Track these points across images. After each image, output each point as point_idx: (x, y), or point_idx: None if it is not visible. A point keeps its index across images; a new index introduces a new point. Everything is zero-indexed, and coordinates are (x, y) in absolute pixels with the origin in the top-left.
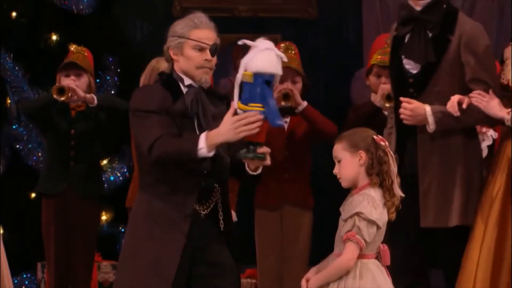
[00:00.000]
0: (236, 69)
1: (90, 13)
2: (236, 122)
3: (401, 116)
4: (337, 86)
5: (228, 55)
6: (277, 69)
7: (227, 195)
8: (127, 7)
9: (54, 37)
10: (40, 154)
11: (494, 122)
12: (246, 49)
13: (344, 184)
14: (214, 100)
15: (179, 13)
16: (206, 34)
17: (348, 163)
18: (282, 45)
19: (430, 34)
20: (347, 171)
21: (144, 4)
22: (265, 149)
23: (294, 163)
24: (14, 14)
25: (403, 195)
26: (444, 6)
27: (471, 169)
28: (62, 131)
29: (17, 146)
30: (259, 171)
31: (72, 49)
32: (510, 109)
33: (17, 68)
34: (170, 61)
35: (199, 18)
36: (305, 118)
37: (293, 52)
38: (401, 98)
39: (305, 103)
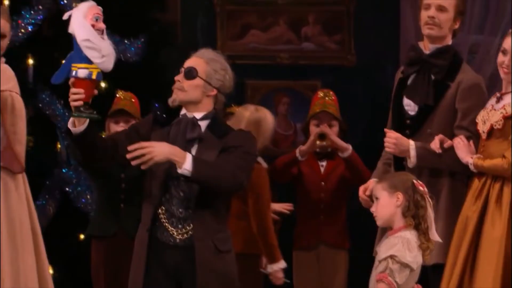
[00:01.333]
0: (277, 114)
1: (137, 61)
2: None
3: (385, 144)
4: (375, 131)
5: (270, 101)
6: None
7: (207, 222)
8: (173, 54)
9: (102, 84)
10: (89, 197)
11: (467, 169)
12: (288, 94)
13: (379, 223)
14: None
15: None
16: (190, 60)
17: (385, 203)
18: (320, 92)
19: (433, 78)
20: (383, 210)
21: (189, 52)
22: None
23: (331, 205)
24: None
25: (440, 240)
26: (452, 53)
27: (455, 206)
28: (112, 174)
29: (67, 189)
30: (83, 128)
31: (119, 95)
32: (474, 155)
33: (67, 114)
34: None
35: (202, 49)
36: (348, 164)
37: (331, 98)
38: (385, 130)
39: (350, 149)
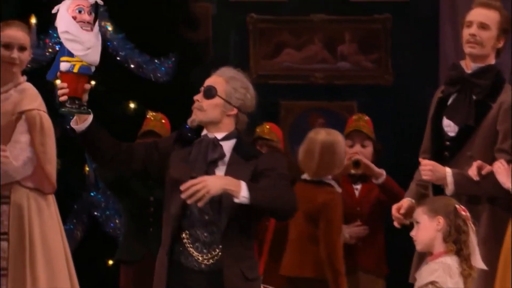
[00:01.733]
0: None
1: (167, 81)
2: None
3: (421, 172)
4: (411, 153)
5: (304, 122)
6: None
7: (235, 248)
8: (204, 74)
9: (132, 105)
10: (117, 221)
11: (509, 194)
12: (323, 115)
13: (419, 247)
14: (240, 152)
15: (255, 80)
16: (210, 79)
17: (425, 227)
18: (355, 116)
19: (475, 98)
20: (423, 234)
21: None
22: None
23: (367, 230)
24: (92, 82)
25: (485, 267)
26: (495, 73)
27: (496, 233)
28: (141, 198)
29: (95, 213)
30: (84, 126)
31: (149, 116)
32: None
33: None
34: None
35: (223, 68)
36: (383, 189)
37: (365, 119)
38: (420, 159)
39: (384, 175)
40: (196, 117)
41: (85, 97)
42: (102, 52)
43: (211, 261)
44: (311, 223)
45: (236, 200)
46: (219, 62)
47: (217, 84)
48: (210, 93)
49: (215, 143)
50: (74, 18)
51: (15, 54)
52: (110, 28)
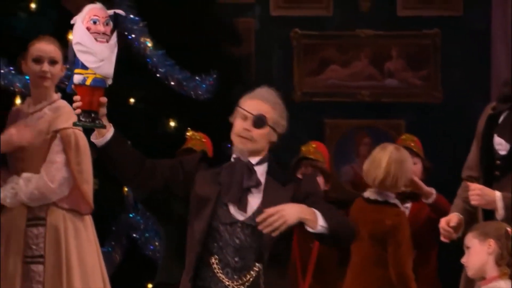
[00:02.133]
0: (358, 156)
1: (208, 98)
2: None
3: (470, 196)
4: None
5: (350, 141)
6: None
7: (268, 274)
8: (246, 91)
9: (172, 123)
10: (157, 243)
11: None
12: (369, 134)
13: (471, 273)
14: (275, 177)
15: (300, 98)
16: (255, 104)
17: (476, 251)
18: (403, 136)
19: None
20: (474, 259)
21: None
22: (102, 117)
23: (419, 252)
24: (132, 100)
25: None
26: None
27: None
28: (181, 219)
29: (134, 235)
30: (104, 141)
31: (189, 135)
32: None
33: None
34: None
35: (260, 91)
36: (434, 208)
37: (413, 139)
38: (468, 183)
39: (434, 194)
40: (245, 147)
41: (102, 110)
42: (142, 69)
43: (241, 287)
44: (377, 246)
45: (310, 230)
46: (261, 79)
47: (266, 112)
48: (262, 123)
49: (250, 169)
50: (88, 29)
51: (46, 67)
52: (149, 44)
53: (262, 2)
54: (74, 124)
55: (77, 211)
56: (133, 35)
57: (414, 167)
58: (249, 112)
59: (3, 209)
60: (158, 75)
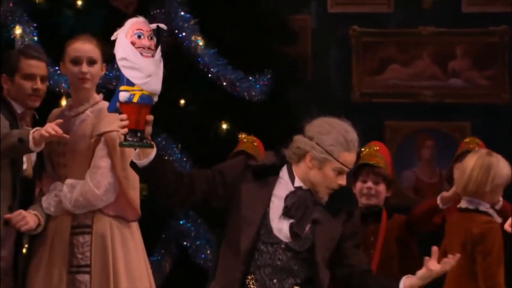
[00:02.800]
0: (420, 160)
1: (263, 99)
2: None
3: None
4: None
5: (411, 143)
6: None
7: None
8: (301, 92)
9: (224, 126)
10: (209, 252)
11: None
12: (432, 137)
13: None
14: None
15: (358, 99)
16: (351, 158)
17: None
18: (467, 139)
19: None
20: None
21: (320, 89)
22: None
23: None
24: (182, 101)
25: None
26: None
27: None
28: None
29: (185, 243)
30: (147, 162)
31: (241, 138)
32: None
33: (185, 159)
34: (297, 162)
35: (353, 140)
36: (500, 215)
37: (477, 141)
38: None
39: (500, 200)
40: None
41: (148, 129)
42: (192, 70)
43: None
44: (467, 257)
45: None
46: (318, 79)
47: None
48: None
49: (316, 202)
50: (133, 43)
51: (85, 68)
52: (201, 43)
53: None
54: (120, 145)
55: (124, 218)
56: (183, 33)
57: None
58: (348, 168)
59: (48, 218)
60: (209, 75)
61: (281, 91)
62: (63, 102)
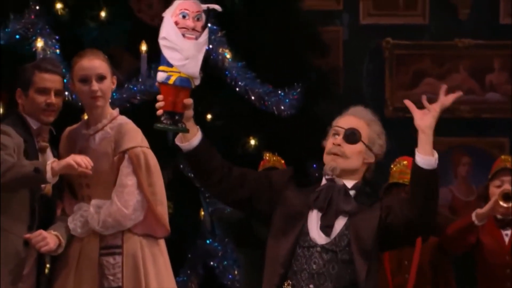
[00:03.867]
0: (456, 177)
1: (292, 114)
2: None
3: None
4: None
5: (447, 160)
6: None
7: None
8: (332, 106)
9: (252, 141)
10: (236, 272)
11: None
12: (469, 153)
13: None
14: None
15: (391, 113)
16: (347, 119)
17: None
18: (503, 156)
19: None
20: None
21: (352, 103)
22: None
23: None
24: (209, 116)
25: None
26: None
27: None
28: (264, 244)
29: (211, 263)
30: (191, 146)
31: (266, 157)
32: None
33: None
34: None
35: (353, 107)
36: None
37: None
38: None
39: None
40: (338, 164)
41: (188, 113)
42: (219, 83)
43: None
44: None
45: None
46: (350, 93)
47: (359, 127)
48: (354, 138)
49: (347, 192)
50: (177, 23)
51: (95, 86)
52: (228, 56)
53: (351, 9)
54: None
55: (153, 235)
56: (210, 46)
57: None
58: (340, 127)
59: (72, 239)
60: (237, 89)
61: (312, 105)
62: (86, 117)
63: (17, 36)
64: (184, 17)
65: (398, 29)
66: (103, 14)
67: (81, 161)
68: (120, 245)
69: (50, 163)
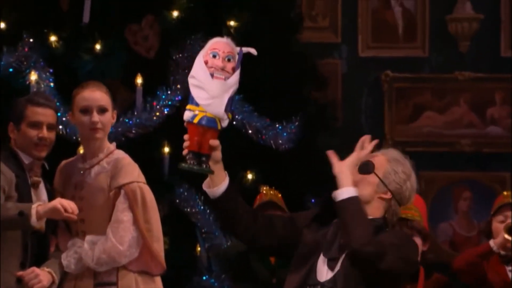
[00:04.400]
0: (457, 212)
1: (290, 148)
2: None
3: None
4: None
5: (447, 195)
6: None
7: None
8: (331, 140)
9: (249, 176)
10: None
11: None
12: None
13: None
14: None
15: (391, 147)
16: (369, 155)
17: None
18: (505, 192)
19: None
20: None
21: (351, 137)
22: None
23: None
24: None
25: None
26: None
27: None
28: (262, 281)
29: None
30: (218, 192)
31: (263, 191)
32: None
33: (208, 211)
34: None
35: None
36: None
37: None
38: None
39: None
40: None
41: (215, 155)
42: None
43: None
44: None
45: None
46: (349, 126)
47: (377, 161)
48: (367, 168)
49: None
50: (206, 62)
51: (95, 117)
52: None
53: (350, 41)
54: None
55: (149, 272)
56: None
57: None
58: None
59: (66, 276)
60: (234, 122)
61: (310, 138)
62: (81, 151)
63: (11, 69)
64: (214, 56)
65: (397, 61)
66: (98, 46)
67: (67, 205)
68: (115, 282)
69: (35, 206)
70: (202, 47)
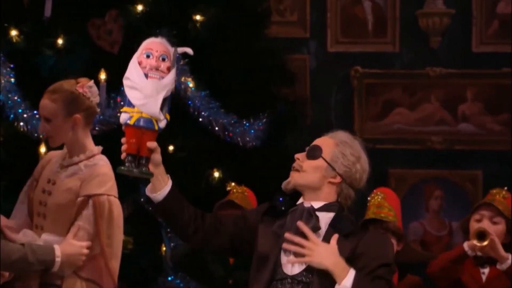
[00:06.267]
0: (428, 211)
1: (257, 146)
2: None
3: None
4: None
5: (418, 193)
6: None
7: None
8: (300, 137)
9: (216, 174)
10: None
11: None
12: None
13: None
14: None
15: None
16: (318, 139)
17: None
18: (493, 190)
19: None
20: None
21: (320, 134)
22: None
23: None
24: (171, 148)
25: None
26: None
27: None
28: (218, 281)
29: None
30: (161, 196)
31: (231, 188)
32: None
33: None
34: None
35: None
36: (509, 276)
37: (503, 195)
38: None
39: (509, 260)
40: (292, 178)
41: (154, 158)
42: (181, 113)
43: None
44: None
45: (337, 287)
46: (318, 124)
47: (324, 145)
48: (314, 153)
49: (310, 212)
50: (140, 63)
51: (41, 127)
52: (191, 85)
53: (318, 36)
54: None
55: (98, 284)
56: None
57: (494, 227)
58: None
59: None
60: (200, 119)
61: (278, 136)
62: (42, 149)
63: None
64: (148, 56)
65: (367, 57)
66: (60, 41)
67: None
68: (60, 284)
69: (59, 260)
70: (168, 41)
